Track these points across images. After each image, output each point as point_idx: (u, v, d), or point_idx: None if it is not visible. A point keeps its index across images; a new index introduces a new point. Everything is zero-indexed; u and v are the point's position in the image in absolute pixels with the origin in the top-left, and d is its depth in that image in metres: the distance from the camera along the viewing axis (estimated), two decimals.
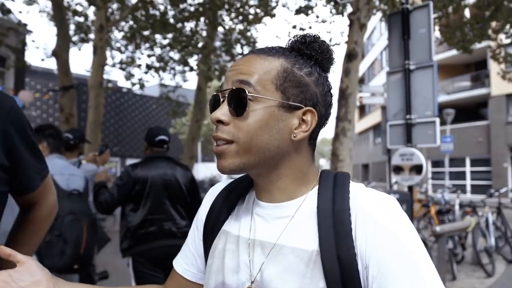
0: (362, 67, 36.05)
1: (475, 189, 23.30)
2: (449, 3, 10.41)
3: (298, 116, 0.80)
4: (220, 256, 0.87)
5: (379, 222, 0.72)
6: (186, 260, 0.99)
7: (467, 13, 13.16)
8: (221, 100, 0.82)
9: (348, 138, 7.79)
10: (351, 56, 8.16)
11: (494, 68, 20.30)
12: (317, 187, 0.83)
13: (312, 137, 0.84)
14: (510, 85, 13.02)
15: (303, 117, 0.81)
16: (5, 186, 1.12)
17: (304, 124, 0.81)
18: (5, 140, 1.07)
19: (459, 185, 21.47)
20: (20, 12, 12.01)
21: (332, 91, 0.87)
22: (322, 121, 0.84)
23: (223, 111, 0.79)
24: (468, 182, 24.41)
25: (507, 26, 11.04)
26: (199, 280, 0.97)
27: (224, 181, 1.01)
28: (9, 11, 9.04)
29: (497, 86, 22.23)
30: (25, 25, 11.53)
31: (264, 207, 0.85)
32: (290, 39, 0.86)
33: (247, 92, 0.77)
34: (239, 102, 0.77)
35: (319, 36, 0.84)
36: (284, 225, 0.80)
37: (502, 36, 11.65)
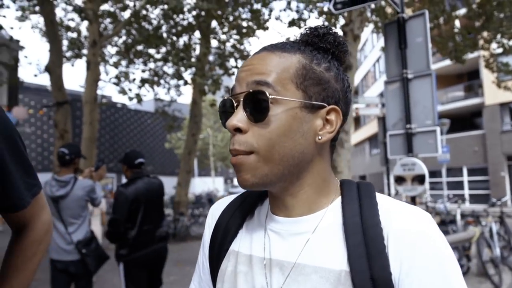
0: (355, 79, 36.22)
1: (474, 199, 23.22)
2: (440, 14, 10.49)
3: (322, 116, 0.72)
4: (231, 279, 0.77)
5: (417, 243, 0.63)
6: None
7: (458, 23, 13.27)
8: (235, 105, 0.72)
9: (346, 150, 7.74)
10: (346, 68, 8.17)
11: (487, 77, 20.47)
12: (338, 198, 0.75)
13: (334, 138, 0.76)
14: (503, 94, 13.09)
15: (327, 116, 0.73)
16: None
17: (329, 124, 0.73)
18: None
19: (457, 195, 21.44)
20: (12, 28, 11.94)
21: (351, 86, 0.79)
22: (344, 120, 0.76)
23: (239, 117, 0.70)
24: (466, 191, 24.34)
25: (498, 36, 11.13)
26: None
27: (227, 197, 0.91)
28: (0, 27, 8.99)
29: (491, 95, 22.36)
30: (18, 41, 11.49)
31: (279, 222, 0.76)
32: (300, 33, 0.77)
33: (267, 95, 0.68)
34: (258, 106, 0.68)
35: (331, 28, 0.76)
36: (304, 242, 0.71)
37: (494, 46, 11.74)
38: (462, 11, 12.00)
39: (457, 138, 23.98)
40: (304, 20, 10.67)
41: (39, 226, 1.19)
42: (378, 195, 0.73)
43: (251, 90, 0.69)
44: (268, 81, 0.69)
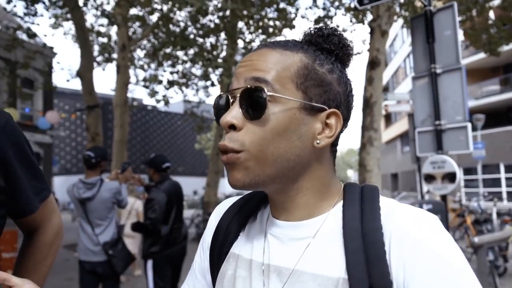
0: (386, 75, 35.56)
1: None
2: (473, 6, 10.14)
3: (321, 119, 0.69)
4: (230, 283, 0.75)
5: (420, 245, 0.59)
6: None
7: (492, 15, 12.77)
8: (231, 101, 0.70)
9: (375, 148, 7.60)
10: (374, 64, 8.01)
11: None
12: (341, 203, 0.71)
13: (334, 143, 0.72)
14: None
15: (327, 120, 0.69)
16: (2, 209, 1.04)
17: (328, 128, 0.69)
18: None
19: (494, 193, 20.65)
20: (45, 35, 12.33)
21: (354, 90, 0.75)
22: (345, 125, 0.72)
23: (234, 114, 0.67)
24: (504, 189, 23.44)
25: None
26: None
27: (234, 197, 0.88)
28: (34, 35, 9.30)
29: None
30: (51, 48, 11.84)
31: (280, 226, 0.73)
32: (305, 32, 0.74)
33: (265, 91, 0.65)
34: (254, 103, 0.65)
35: (336, 29, 0.73)
36: (303, 248, 0.68)
37: None
38: (496, 1, 11.55)
39: (493, 133, 23.14)
40: (331, 18, 10.55)
41: (49, 229, 1.21)
42: (383, 199, 0.69)
43: (248, 86, 0.66)
44: (267, 79, 0.66)
